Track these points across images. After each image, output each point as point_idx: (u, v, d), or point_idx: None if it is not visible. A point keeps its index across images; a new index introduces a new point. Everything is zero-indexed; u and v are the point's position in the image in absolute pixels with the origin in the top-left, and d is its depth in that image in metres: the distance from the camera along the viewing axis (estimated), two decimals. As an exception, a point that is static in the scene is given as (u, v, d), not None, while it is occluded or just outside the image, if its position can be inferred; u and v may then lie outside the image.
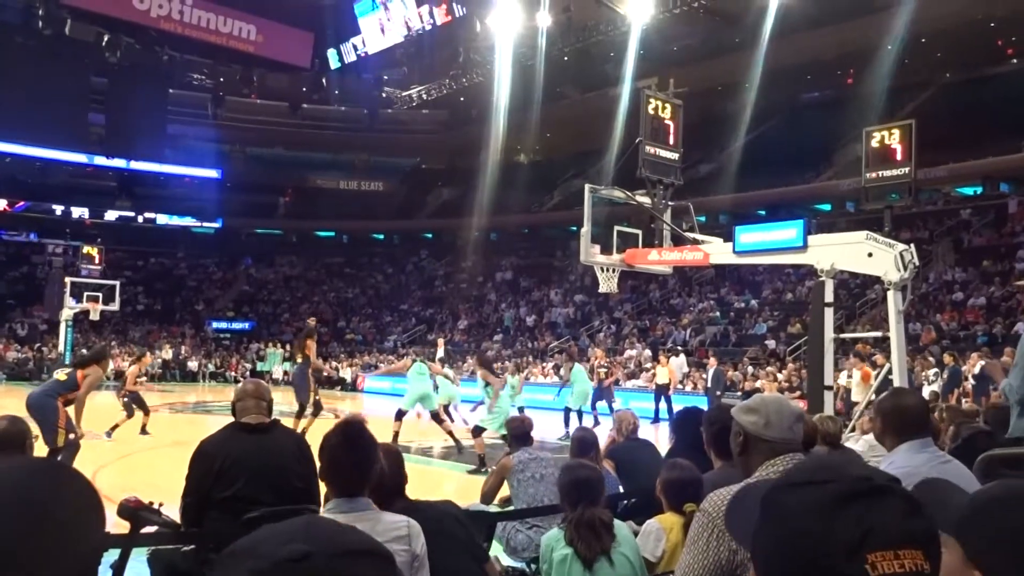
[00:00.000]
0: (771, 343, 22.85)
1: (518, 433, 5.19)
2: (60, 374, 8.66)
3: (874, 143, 9.06)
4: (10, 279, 35.33)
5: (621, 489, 4.77)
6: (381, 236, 42.35)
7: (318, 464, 2.75)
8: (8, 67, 31.32)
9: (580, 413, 15.45)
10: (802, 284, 23.81)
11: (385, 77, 36.28)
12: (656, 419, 17.13)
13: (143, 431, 13.13)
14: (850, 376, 13.79)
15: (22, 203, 36.12)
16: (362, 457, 2.68)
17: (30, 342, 30.48)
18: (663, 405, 17.76)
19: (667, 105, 10.34)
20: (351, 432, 2.75)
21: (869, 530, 0.85)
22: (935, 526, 0.91)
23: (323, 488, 2.80)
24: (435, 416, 12.87)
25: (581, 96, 33.59)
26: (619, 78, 27.86)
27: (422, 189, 41.86)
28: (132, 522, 3.52)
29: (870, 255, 8.34)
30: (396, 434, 11.89)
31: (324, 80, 33.26)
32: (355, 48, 30.73)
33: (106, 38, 28.73)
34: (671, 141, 10.29)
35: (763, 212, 27.47)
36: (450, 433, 12.36)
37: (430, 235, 40.68)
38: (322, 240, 42.32)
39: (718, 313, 26.34)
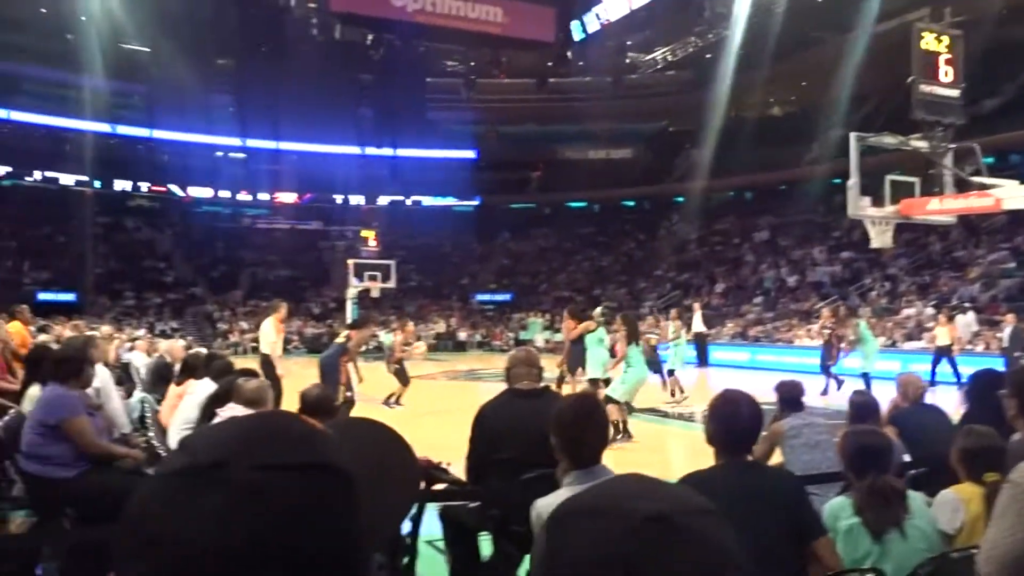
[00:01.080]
0: (1082, 296, 20.01)
1: (789, 397, 4.99)
2: (340, 338, 10.02)
3: None
4: (302, 263, 39.63)
5: (907, 458, 4.44)
6: (632, 203, 42.26)
7: (553, 439, 2.83)
8: (293, 74, 35.06)
9: (867, 377, 13.94)
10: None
11: (628, 43, 35.98)
12: (933, 382, 15.46)
13: (396, 402, 13.48)
14: None
15: (308, 195, 40.28)
16: (596, 430, 2.79)
17: (323, 318, 34.08)
18: (946, 369, 16.15)
19: (943, 37, 9.33)
20: (584, 408, 2.86)
21: None
22: None
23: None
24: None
25: (837, 39, 31.14)
26: (879, 14, 25.50)
27: (670, 153, 41.15)
28: (425, 480, 3.87)
29: None
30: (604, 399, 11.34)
31: (569, 53, 33.65)
32: (597, 17, 30.75)
33: (370, 38, 31.13)
34: (950, 77, 9.29)
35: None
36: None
37: (681, 199, 39.94)
38: (574, 211, 43.06)
39: (1013, 264, 23.44)
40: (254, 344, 30.37)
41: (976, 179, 9.37)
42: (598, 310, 14.62)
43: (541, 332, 31.93)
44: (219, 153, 39.80)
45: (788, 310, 27.03)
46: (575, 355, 12.33)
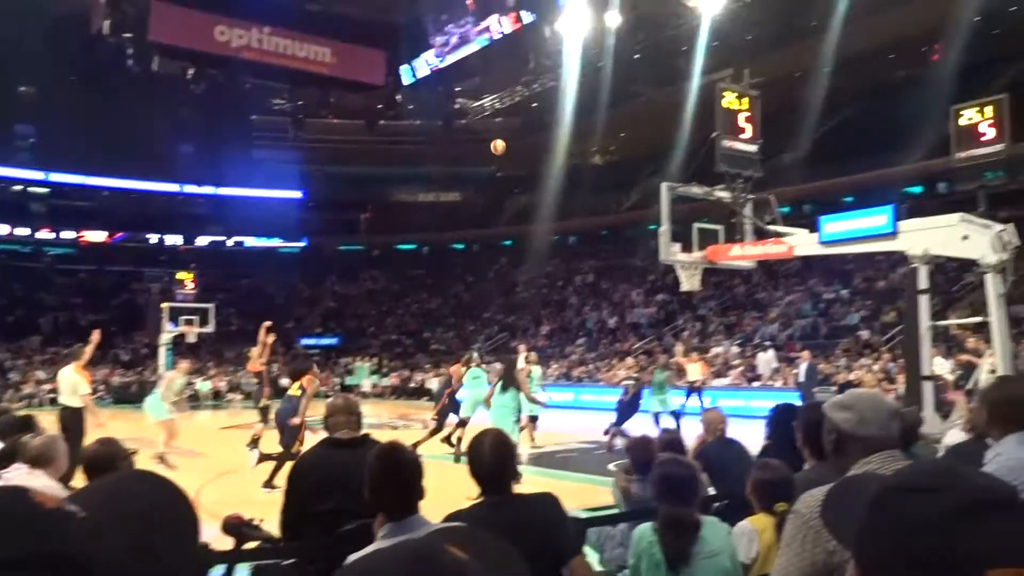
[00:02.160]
0: (864, 333, 22.10)
1: (642, 461, 4.70)
2: (294, 390, 10.41)
3: (962, 121, 8.69)
4: (112, 307, 37.04)
5: (712, 491, 4.68)
6: (461, 246, 42.76)
7: (365, 491, 2.77)
8: (103, 105, 33.00)
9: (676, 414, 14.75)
10: (895, 271, 22.95)
11: (458, 89, 36.66)
12: (680, 414, 15.51)
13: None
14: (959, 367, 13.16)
15: (120, 234, 37.86)
16: (406, 479, 2.72)
17: (133, 366, 31.88)
18: (695, 403, 16.49)
19: (743, 97, 10.15)
20: (391, 458, 2.80)
21: (991, 545, 0.80)
22: None
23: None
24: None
25: (654, 93, 33.22)
26: (692, 72, 27.47)
27: (499, 197, 42.12)
28: (236, 538, 3.65)
29: (965, 238, 8.00)
30: (459, 440, 11.74)
31: (398, 96, 33.83)
32: (427, 63, 31.15)
33: (191, 71, 29.91)
34: (749, 133, 10.10)
35: (850, 199, 26.58)
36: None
37: (509, 242, 40.85)
38: (403, 253, 43.01)
39: (808, 305, 25.63)
40: (52, 396, 28.06)
41: (772, 227, 10.19)
42: (474, 353, 14.96)
43: (368, 377, 31.42)
44: (18, 187, 36.72)
45: (609, 351, 28.10)
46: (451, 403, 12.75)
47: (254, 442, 11.89)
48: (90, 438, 9.59)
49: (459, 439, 11.87)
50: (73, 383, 9.98)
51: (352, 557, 2.60)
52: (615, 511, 4.82)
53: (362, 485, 3.60)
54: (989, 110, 8.56)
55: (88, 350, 10.66)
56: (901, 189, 26.93)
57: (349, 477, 3.64)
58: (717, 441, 5.32)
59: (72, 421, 9.49)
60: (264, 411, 12.89)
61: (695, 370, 17.61)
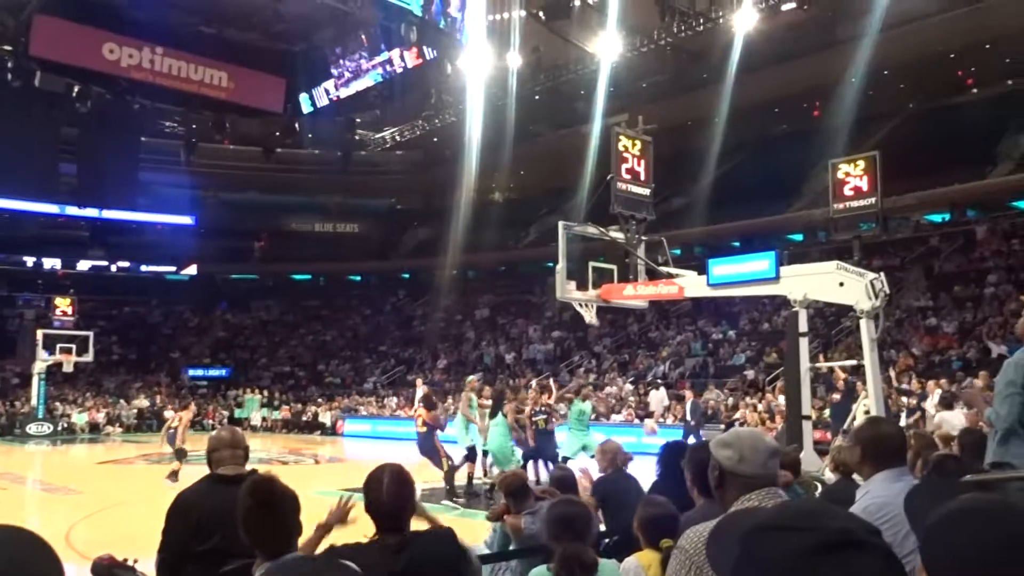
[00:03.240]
0: (750, 373, 22.95)
1: (515, 491, 4.76)
2: None
3: (840, 175, 9.23)
4: (-19, 332, 34.82)
5: (603, 527, 4.73)
6: (358, 278, 42.25)
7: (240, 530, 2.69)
8: (-22, 119, 31.20)
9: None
10: (778, 314, 24.00)
11: (358, 120, 36.43)
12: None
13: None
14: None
15: (-8, 255, 35.72)
16: (280, 515, 2.64)
17: (2, 397, 29.93)
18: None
19: (637, 142, 10.50)
20: (260, 494, 2.70)
21: None
22: None
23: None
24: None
25: (553, 134, 33.94)
26: (590, 115, 28.19)
27: (398, 229, 41.93)
28: (107, 581, 3.46)
29: (841, 284, 8.45)
30: (471, 476, 12.25)
31: (297, 124, 33.33)
32: (327, 92, 30.84)
33: (76, 88, 28.70)
34: (642, 177, 10.43)
35: (737, 243, 27.79)
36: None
37: (407, 275, 40.65)
38: (298, 284, 42.15)
39: (698, 345, 26.45)
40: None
41: (664, 269, 10.51)
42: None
43: (259, 410, 30.48)
44: None
45: (506, 385, 28.15)
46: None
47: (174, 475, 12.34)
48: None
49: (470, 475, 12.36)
50: None
51: None
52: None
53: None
54: (862, 165, 9.13)
55: None
56: (785, 236, 28.34)
57: (232, 516, 3.51)
58: (616, 474, 5.33)
59: None
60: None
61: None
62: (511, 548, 4.63)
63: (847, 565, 0.86)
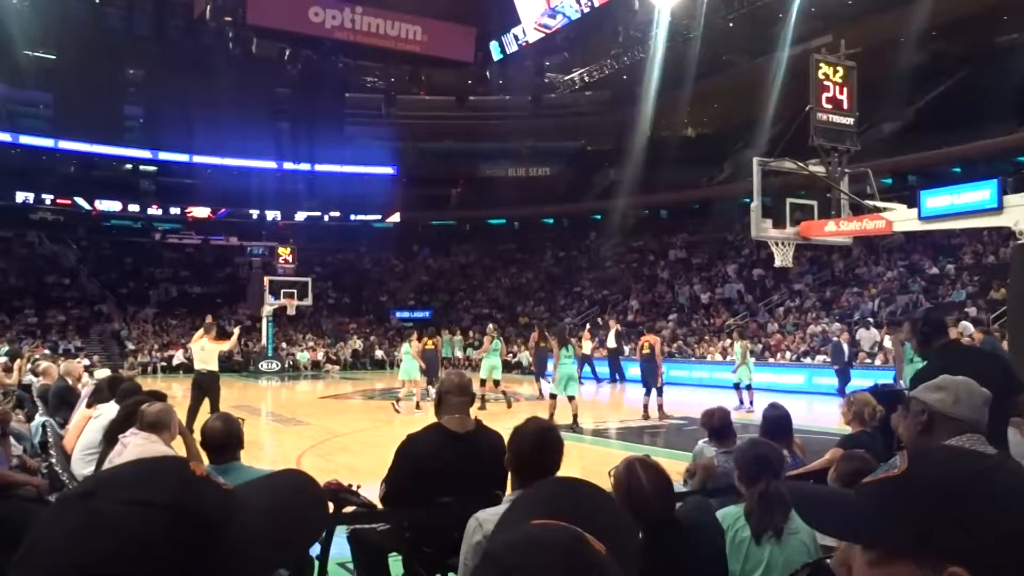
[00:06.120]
0: (972, 311, 21.15)
1: (718, 426, 4.69)
2: None
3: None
4: (217, 280, 38.70)
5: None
6: (551, 220, 42.77)
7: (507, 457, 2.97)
8: (205, 87, 34.35)
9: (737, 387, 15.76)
10: (1006, 245, 21.82)
11: (547, 63, 36.55)
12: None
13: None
14: None
15: (223, 210, 39.42)
16: (552, 453, 2.91)
17: (239, 337, 33.25)
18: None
19: (838, 68, 9.86)
20: (542, 432, 2.99)
21: None
22: None
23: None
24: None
25: (749, 63, 32.33)
26: (788, 41, 26.61)
27: (589, 171, 41.87)
28: (335, 503, 3.87)
29: (1079, 213, 7.60)
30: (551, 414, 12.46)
31: (488, 72, 33.98)
32: (516, 38, 31.13)
33: (287, 52, 30.78)
34: (845, 106, 9.80)
35: (958, 170, 25.37)
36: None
37: (599, 216, 40.63)
38: (494, 228, 43.31)
39: (910, 282, 24.68)
40: (163, 364, 29.63)
41: (870, 203, 9.88)
42: (491, 326, 18.95)
43: (461, 349, 31.93)
44: (128, 166, 38.62)
45: (702, 326, 27.75)
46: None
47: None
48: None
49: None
50: (211, 351, 11.88)
51: (482, 513, 2.73)
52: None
53: (476, 480, 3.63)
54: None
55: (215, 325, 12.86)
56: (1013, 160, 25.54)
57: (458, 474, 3.70)
58: (863, 434, 4.55)
59: (210, 382, 11.69)
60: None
61: (586, 346, 22.64)
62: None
63: None
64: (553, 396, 12.95)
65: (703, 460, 4.52)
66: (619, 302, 33.18)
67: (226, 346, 12.92)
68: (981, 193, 8.37)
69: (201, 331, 12.21)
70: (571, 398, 12.62)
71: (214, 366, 11.90)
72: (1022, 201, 8.26)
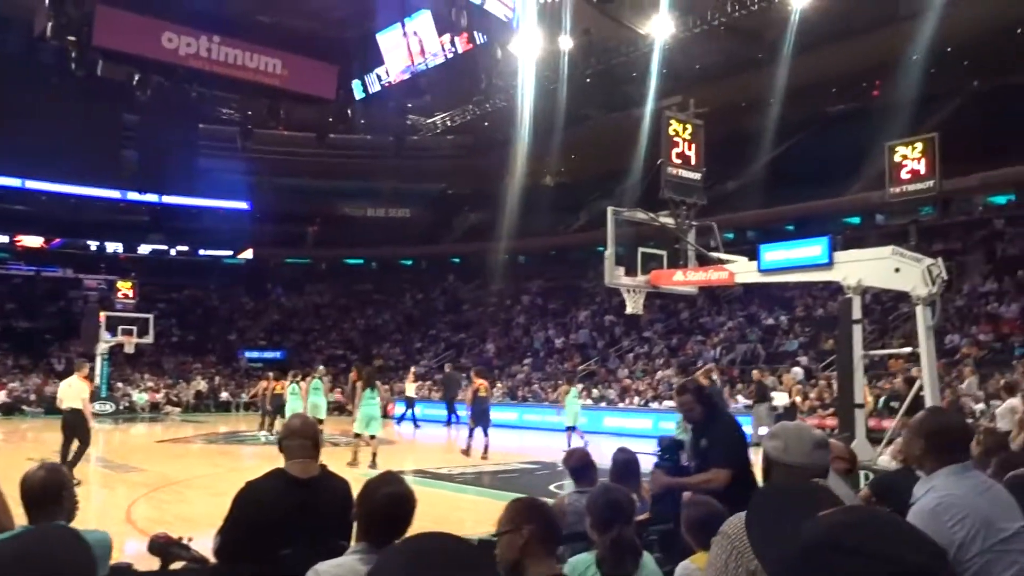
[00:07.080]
0: (803, 360, 22.57)
1: (578, 467, 4.66)
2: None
3: (896, 158, 8.99)
4: (47, 314, 35.98)
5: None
6: (409, 262, 42.60)
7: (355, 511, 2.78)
8: (44, 107, 32.21)
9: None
10: (834, 299, 23.46)
11: (409, 105, 36.63)
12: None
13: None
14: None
15: (58, 240, 36.83)
16: (406, 513, 2.73)
17: (67, 375, 30.93)
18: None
19: (688, 126, 10.37)
20: (396, 488, 2.77)
21: None
22: None
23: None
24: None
25: (605, 117, 33.65)
26: (642, 98, 27.88)
27: (449, 214, 42.13)
28: (162, 558, 3.57)
29: (897, 270, 8.25)
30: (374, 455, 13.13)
31: (349, 110, 33.65)
32: (379, 78, 31.07)
33: (137, 77, 29.36)
34: (693, 161, 10.30)
35: (792, 227, 27.23)
36: None
37: (458, 259, 40.85)
38: (351, 268, 42.67)
39: (749, 331, 26.11)
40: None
41: (715, 254, 10.38)
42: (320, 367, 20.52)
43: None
44: (-51, 188, 35.52)
45: (556, 370, 28.21)
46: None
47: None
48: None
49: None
50: (78, 389, 12.04)
51: (321, 566, 2.54)
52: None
53: (323, 528, 3.41)
54: (920, 147, 8.87)
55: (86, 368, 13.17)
56: (841, 220, 27.69)
57: (301, 523, 3.45)
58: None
59: (76, 421, 11.69)
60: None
61: (410, 388, 24.77)
62: None
63: None
64: (358, 435, 13.51)
65: (555, 500, 4.51)
66: (475, 345, 33.30)
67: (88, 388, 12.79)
68: (814, 249, 8.97)
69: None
70: (372, 437, 13.42)
71: (79, 404, 11.86)
72: (850, 258, 8.91)
